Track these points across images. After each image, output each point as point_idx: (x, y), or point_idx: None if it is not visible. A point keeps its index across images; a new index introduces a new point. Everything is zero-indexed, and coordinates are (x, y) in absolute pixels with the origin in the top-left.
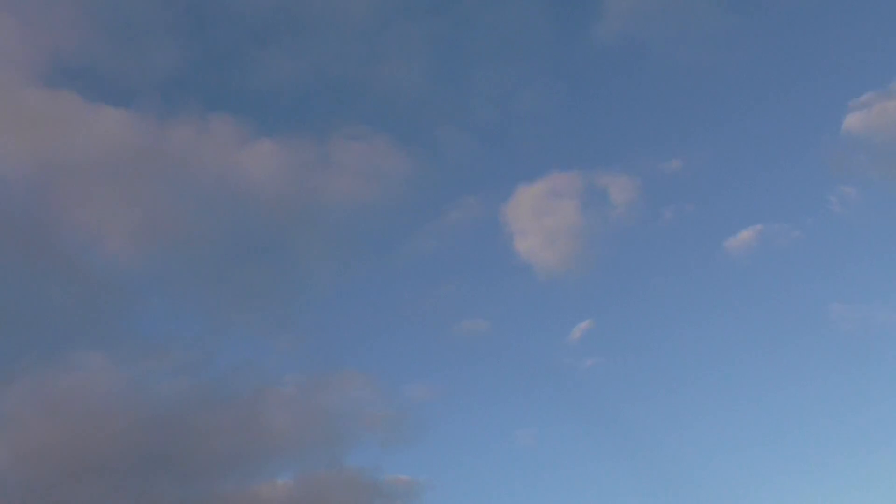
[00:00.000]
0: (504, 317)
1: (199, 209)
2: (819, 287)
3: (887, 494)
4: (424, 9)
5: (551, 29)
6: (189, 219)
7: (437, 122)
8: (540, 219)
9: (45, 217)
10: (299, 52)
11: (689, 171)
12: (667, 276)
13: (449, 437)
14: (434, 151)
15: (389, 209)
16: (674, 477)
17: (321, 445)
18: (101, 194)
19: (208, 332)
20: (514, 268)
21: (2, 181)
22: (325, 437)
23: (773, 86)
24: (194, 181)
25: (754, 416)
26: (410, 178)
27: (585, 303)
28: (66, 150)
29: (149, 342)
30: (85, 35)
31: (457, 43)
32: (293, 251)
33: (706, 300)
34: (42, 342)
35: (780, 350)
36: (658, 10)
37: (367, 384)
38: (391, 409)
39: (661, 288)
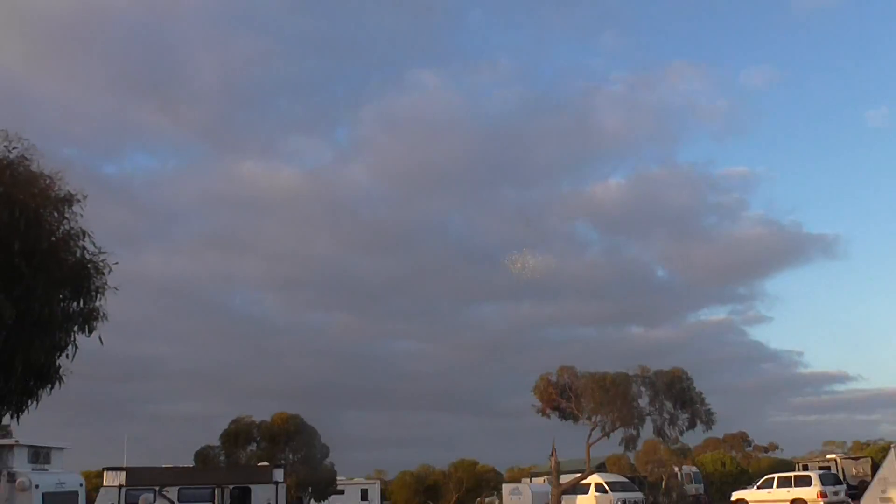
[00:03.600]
0: None
1: None
2: None
3: None
4: None
5: None
6: None
7: None
8: None
9: None
10: None
11: None
12: None
13: (789, 124)
14: None
15: None
16: None
17: (652, 143)
18: None
19: (532, 39)
20: None
21: None
22: (655, 134)
23: None
24: None
25: None
26: None
27: None
28: None
29: (476, 56)
30: None
31: None
32: None
33: None
34: (380, 66)
35: None
36: None
37: (698, 75)
38: (725, 99)
39: None
